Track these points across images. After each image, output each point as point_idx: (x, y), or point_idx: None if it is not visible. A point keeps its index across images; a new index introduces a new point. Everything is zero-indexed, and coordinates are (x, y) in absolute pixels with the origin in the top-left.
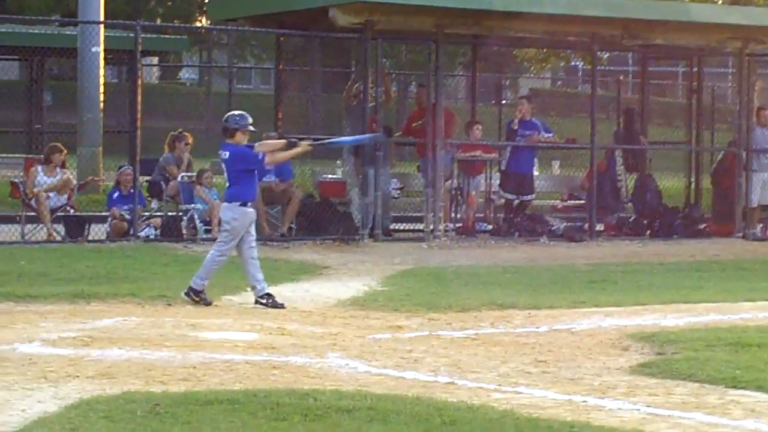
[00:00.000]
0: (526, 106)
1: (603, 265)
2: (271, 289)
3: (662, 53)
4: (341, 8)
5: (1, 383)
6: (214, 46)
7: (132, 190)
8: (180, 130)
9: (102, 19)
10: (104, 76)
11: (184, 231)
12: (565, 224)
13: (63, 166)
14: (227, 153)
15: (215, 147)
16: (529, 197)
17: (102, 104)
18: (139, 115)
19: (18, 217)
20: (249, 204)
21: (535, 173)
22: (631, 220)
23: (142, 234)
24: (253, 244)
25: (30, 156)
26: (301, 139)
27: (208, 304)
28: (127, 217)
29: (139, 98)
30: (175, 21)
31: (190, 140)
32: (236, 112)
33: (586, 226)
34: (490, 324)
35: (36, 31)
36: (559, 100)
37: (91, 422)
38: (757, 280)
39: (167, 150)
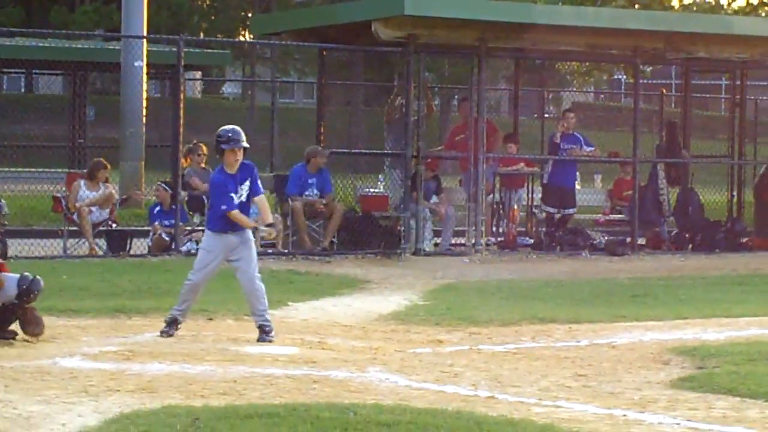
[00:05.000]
0: (573, 119)
1: (644, 279)
2: (313, 303)
3: (705, 66)
4: (384, 22)
5: (42, 397)
6: (257, 60)
7: (173, 205)
8: (195, 141)
9: (145, 33)
10: (147, 90)
11: None
12: (606, 238)
13: (105, 180)
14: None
15: (258, 162)
16: (570, 211)
17: (145, 119)
18: (181, 130)
19: (60, 232)
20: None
21: (577, 187)
22: (673, 233)
23: (184, 248)
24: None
25: (72, 171)
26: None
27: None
28: (166, 237)
29: (182, 113)
30: (218, 35)
31: (205, 150)
32: (228, 127)
33: (628, 239)
34: (531, 338)
35: (79, 46)
36: (602, 114)
37: None
38: None
39: (185, 163)
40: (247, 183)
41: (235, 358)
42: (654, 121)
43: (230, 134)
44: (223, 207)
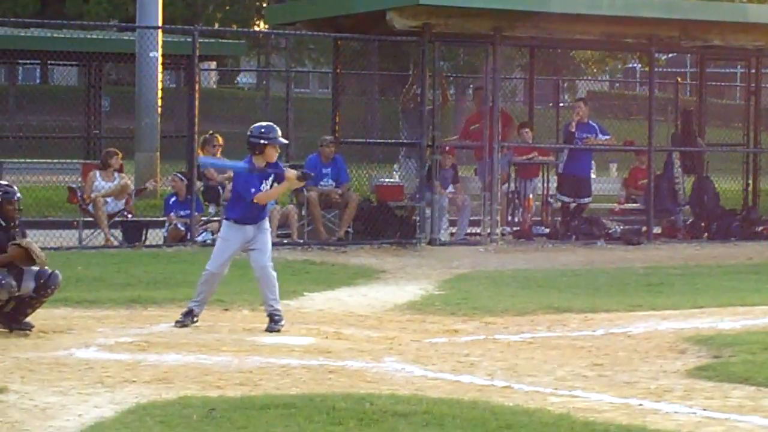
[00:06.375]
0: (584, 108)
1: (660, 267)
2: (329, 293)
3: (720, 54)
4: (399, 11)
5: (59, 388)
6: (272, 50)
7: (189, 196)
8: (211, 132)
9: (160, 24)
10: (162, 81)
11: None
12: (622, 227)
13: (120, 171)
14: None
15: None
16: (586, 200)
17: (160, 109)
18: (196, 120)
19: (75, 223)
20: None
21: (593, 176)
22: (688, 222)
23: (200, 239)
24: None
25: (88, 161)
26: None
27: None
28: (181, 227)
29: (197, 103)
30: (233, 25)
31: (220, 141)
32: (264, 124)
33: (644, 228)
34: (547, 327)
35: (94, 37)
36: (617, 103)
37: (148, 427)
38: None
39: (201, 154)
40: (271, 180)
41: (250, 348)
42: (669, 110)
43: (264, 130)
44: (252, 190)
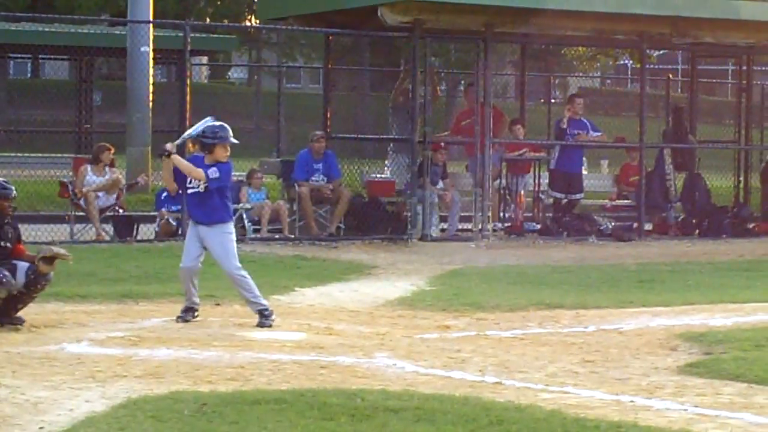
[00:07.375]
0: (581, 104)
1: (651, 264)
2: (320, 289)
3: (711, 51)
4: (390, 7)
5: (50, 383)
6: (264, 45)
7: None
8: None
9: (151, 18)
10: (153, 75)
11: None
12: (613, 224)
13: (112, 165)
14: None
15: (264, 147)
16: (577, 196)
17: (151, 104)
18: (188, 115)
19: (67, 217)
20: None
21: (584, 172)
22: (679, 219)
23: None
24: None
25: (79, 156)
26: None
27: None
28: (173, 222)
29: (188, 98)
30: (224, 20)
31: None
32: (216, 124)
33: (635, 225)
34: (538, 324)
35: (85, 31)
36: (608, 99)
37: (139, 422)
38: None
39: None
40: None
41: (242, 343)
42: (660, 107)
43: (217, 130)
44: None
